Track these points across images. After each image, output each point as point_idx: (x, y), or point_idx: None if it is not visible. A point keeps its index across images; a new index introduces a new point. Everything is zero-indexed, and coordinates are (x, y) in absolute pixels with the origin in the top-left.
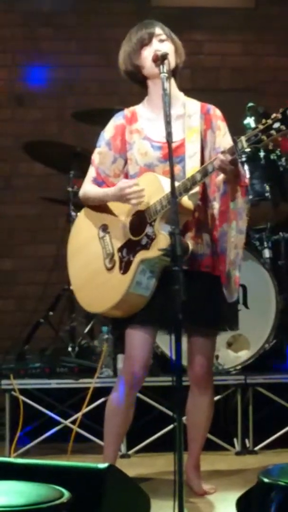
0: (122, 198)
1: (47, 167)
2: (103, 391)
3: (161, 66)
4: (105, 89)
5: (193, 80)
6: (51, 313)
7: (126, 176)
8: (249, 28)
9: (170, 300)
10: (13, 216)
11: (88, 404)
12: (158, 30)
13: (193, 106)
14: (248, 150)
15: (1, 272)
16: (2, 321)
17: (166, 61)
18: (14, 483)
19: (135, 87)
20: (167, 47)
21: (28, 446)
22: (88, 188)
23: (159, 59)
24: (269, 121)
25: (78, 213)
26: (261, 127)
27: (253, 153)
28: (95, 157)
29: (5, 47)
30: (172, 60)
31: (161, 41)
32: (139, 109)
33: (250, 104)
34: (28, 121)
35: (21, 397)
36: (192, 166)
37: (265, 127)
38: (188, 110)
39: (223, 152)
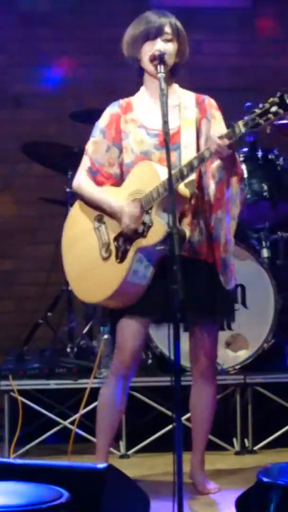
0: (119, 220)
1: (46, 168)
2: None
3: (158, 66)
4: (103, 89)
5: (191, 79)
6: (49, 314)
7: (121, 165)
8: (247, 28)
9: (165, 290)
10: (12, 217)
11: (87, 405)
12: (167, 28)
13: (189, 97)
14: (245, 132)
15: (0, 273)
16: (1, 322)
17: (163, 62)
18: (13, 483)
19: (134, 87)
20: (169, 48)
21: (27, 447)
22: (84, 182)
23: (157, 59)
24: (267, 105)
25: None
26: (258, 111)
27: (251, 153)
28: (89, 146)
29: (3, 47)
30: (170, 60)
31: (166, 41)
32: (134, 99)
33: (248, 104)
34: (27, 122)
35: (20, 398)
36: (188, 156)
37: (263, 111)
38: (184, 100)
39: (220, 137)
